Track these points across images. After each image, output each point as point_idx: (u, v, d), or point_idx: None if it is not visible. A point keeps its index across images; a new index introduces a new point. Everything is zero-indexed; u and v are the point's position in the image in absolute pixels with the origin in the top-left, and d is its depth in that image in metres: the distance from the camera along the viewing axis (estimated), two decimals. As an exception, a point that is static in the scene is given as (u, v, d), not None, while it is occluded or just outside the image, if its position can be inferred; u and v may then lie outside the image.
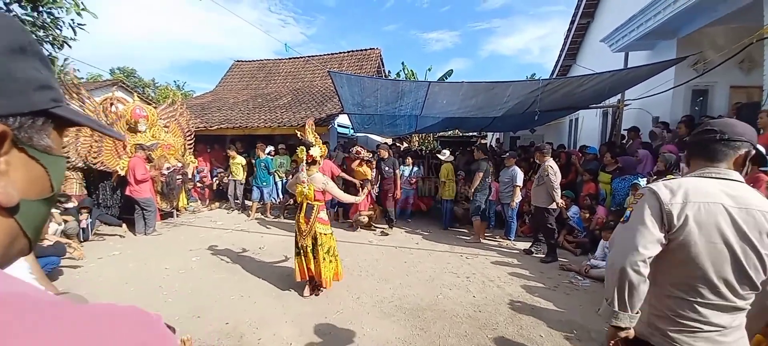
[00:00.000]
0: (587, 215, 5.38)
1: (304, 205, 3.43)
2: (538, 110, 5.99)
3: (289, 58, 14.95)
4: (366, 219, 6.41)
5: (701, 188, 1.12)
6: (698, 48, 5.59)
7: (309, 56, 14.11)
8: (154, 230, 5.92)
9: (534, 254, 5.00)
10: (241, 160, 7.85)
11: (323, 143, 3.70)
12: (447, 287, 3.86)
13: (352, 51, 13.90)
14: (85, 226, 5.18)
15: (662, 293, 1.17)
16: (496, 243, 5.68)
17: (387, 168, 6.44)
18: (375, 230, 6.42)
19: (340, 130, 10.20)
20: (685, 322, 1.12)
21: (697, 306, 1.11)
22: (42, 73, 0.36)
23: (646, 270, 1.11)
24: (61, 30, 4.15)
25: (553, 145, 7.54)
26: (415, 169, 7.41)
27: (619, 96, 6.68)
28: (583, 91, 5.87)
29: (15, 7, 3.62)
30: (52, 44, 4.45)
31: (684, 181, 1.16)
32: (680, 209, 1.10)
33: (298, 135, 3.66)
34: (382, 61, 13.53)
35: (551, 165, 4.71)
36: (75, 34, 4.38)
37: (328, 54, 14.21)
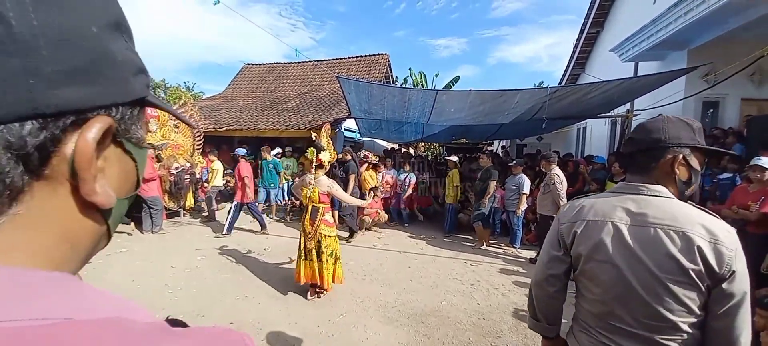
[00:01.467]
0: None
1: (310, 207, 3.44)
2: (545, 117, 5.96)
3: (298, 62, 15.12)
4: (370, 221, 6.43)
5: (597, 205, 1.05)
6: (709, 59, 5.54)
7: (318, 60, 14.26)
8: (160, 228, 5.98)
9: (540, 263, 4.96)
10: (218, 165, 7.20)
11: (333, 150, 3.75)
12: (451, 293, 3.84)
13: (361, 56, 14.03)
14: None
15: (580, 310, 1.13)
16: (501, 251, 5.64)
17: (342, 173, 6.12)
18: (378, 233, 6.43)
19: (347, 133, 10.25)
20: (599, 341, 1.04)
21: (603, 331, 1.02)
22: (136, 54, 0.31)
23: (551, 287, 1.15)
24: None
25: (559, 153, 7.49)
26: (412, 175, 7.37)
27: (628, 106, 6.63)
28: (591, 99, 5.84)
29: None
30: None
31: (589, 198, 1.11)
32: (569, 228, 1.08)
33: (313, 136, 3.70)
34: (390, 66, 13.63)
35: (557, 173, 4.69)
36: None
37: (337, 59, 14.36)
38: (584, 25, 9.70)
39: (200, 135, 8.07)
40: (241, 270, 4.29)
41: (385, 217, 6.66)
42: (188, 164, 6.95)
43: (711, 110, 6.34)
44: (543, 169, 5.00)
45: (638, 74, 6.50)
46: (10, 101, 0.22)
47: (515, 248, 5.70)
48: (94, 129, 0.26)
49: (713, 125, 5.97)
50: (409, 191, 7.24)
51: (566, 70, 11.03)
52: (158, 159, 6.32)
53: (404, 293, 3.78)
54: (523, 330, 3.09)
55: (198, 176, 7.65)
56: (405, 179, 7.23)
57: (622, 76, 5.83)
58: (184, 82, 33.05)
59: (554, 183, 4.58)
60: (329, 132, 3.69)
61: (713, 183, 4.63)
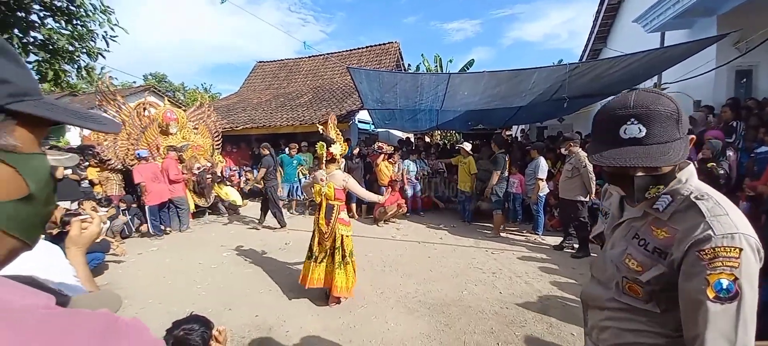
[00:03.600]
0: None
1: (324, 205, 3.24)
2: (566, 97, 5.71)
3: (309, 57, 15.15)
4: (388, 211, 6.42)
5: None
6: (740, 26, 5.13)
7: (328, 54, 14.24)
8: (187, 226, 6.22)
9: (565, 249, 4.82)
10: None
11: (345, 140, 3.60)
12: (472, 282, 3.80)
13: (371, 46, 13.89)
14: (126, 220, 5.52)
15: None
16: (523, 238, 5.52)
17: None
18: (397, 224, 6.44)
19: (360, 126, 10.24)
20: None
21: None
22: None
23: None
24: (95, 42, 4.40)
25: (581, 134, 7.21)
26: (414, 165, 7.27)
27: (655, 79, 6.27)
28: (614, 75, 5.56)
29: (49, 20, 3.87)
30: (89, 55, 4.73)
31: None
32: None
33: (320, 130, 3.52)
34: (401, 54, 13.44)
35: (585, 155, 4.50)
36: (108, 46, 4.63)
37: (347, 50, 14.28)
38: (604, -5, 9.16)
39: (218, 135, 8.27)
40: (264, 265, 4.39)
41: (404, 208, 6.64)
42: (209, 164, 7.14)
43: (744, 80, 5.90)
44: (563, 152, 4.79)
45: (665, 45, 6.12)
46: None
47: (538, 234, 5.57)
48: None
49: (748, 96, 5.56)
50: (413, 187, 7.16)
51: (586, 46, 10.50)
52: (181, 160, 6.52)
53: (424, 284, 3.77)
54: (548, 319, 3.02)
55: (219, 175, 7.87)
56: (404, 168, 7.08)
57: (648, 48, 5.51)
58: (201, 84, 33.99)
59: (585, 166, 4.35)
60: (336, 123, 3.55)
61: (750, 158, 4.33)
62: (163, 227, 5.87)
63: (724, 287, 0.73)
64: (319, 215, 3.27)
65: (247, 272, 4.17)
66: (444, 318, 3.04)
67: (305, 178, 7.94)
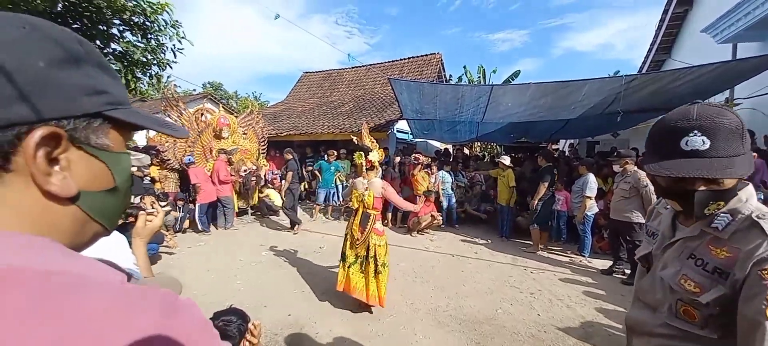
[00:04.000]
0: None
1: (360, 212, 3.28)
2: (620, 110, 5.29)
3: (352, 67, 15.63)
4: (422, 222, 6.34)
5: None
6: None
7: (370, 64, 14.58)
8: (232, 225, 6.63)
9: (615, 275, 4.42)
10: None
11: (382, 148, 3.61)
12: (508, 301, 3.61)
13: (413, 57, 14.00)
14: (178, 216, 6.02)
15: None
16: (567, 259, 5.14)
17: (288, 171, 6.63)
18: (430, 235, 6.33)
19: (399, 135, 10.30)
20: None
21: None
22: (97, 79, 0.40)
23: None
24: (164, 54, 4.91)
25: (637, 150, 6.62)
26: (449, 176, 7.12)
27: (726, 94, 5.60)
28: (678, 88, 5.05)
29: (127, 34, 4.39)
30: (159, 66, 5.28)
31: None
32: None
33: (354, 140, 3.59)
34: (442, 65, 13.38)
35: (645, 175, 4.13)
36: (175, 57, 5.14)
37: (389, 61, 14.53)
38: (668, 3, 8.43)
39: (264, 140, 8.78)
40: (299, 266, 4.54)
41: (439, 219, 6.53)
42: (254, 167, 7.59)
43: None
44: (617, 170, 4.42)
45: (737, 57, 5.46)
46: None
47: (584, 256, 5.16)
48: (36, 135, 0.34)
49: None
50: (448, 199, 7.03)
51: (647, 57, 9.69)
52: (230, 163, 7.01)
53: (457, 298, 3.65)
54: (592, 348, 2.78)
55: (263, 177, 8.33)
56: (440, 179, 7.00)
57: (717, 60, 4.97)
58: (252, 93, 36.37)
59: (647, 186, 4.00)
60: (369, 131, 3.60)
61: None
62: (209, 225, 6.33)
63: None
64: (354, 220, 3.30)
65: (282, 272, 4.33)
66: (476, 336, 2.91)
67: (342, 184, 8.13)
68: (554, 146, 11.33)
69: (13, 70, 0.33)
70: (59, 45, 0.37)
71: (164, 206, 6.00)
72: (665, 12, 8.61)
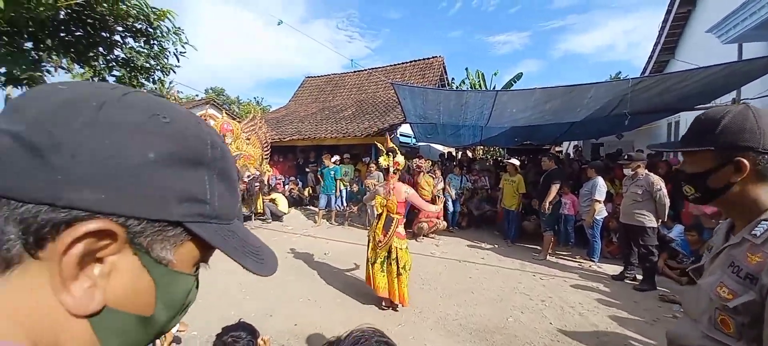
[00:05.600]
0: (695, 236, 4.51)
1: (384, 216, 3.35)
2: (628, 113, 5.22)
3: (354, 71, 15.61)
4: (426, 226, 6.28)
5: None
6: None
7: (372, 68, 14.57)
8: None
9: (626, 280, 4.33)
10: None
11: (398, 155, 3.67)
12: (518, 309, 3.53)
13: (415, 60, 13.98)
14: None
15: None
16: (576, 264, 5.06)
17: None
18: (436, 240, 6.26)
19: (402, 139, 10.25)
20: None
21: None
22: (206, 187, 0.34)
23: None
24: (167, 59, 4.89)
25: (643, 151, 6.55)
26: (456, 179, 7.09)
27: (733, 95, 5.53)
28: (685, 89, 4.99)
29: (130, 40, 4.38)
30: (162, 71, 5.27)
31: None
32: None
33: (379, 146, 3.70)
34: (445, 69, 13.36)
35: (659, 178, 4.08)
36: (178, 61, 5.12)
37: (391, 65, 14.50)
38: (671, 4, 8.38)
39: (268, 146, 8.75)
40: (305, 273, 4.48)
41: (444, 224, 6.46)
42: (257, 173, 7.55)
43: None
44: (628, 173, 4.35)
45: (743, 57, 5.39)
46: (34, 187, 0.27)
47: (593, 261, 5.08)
48: (87, 225, 0.28)
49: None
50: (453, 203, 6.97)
51: (651, 58, 9.64)
52: (233, 168, 6.97)
53: (465, 306, 3.58)
54: (608, 358, 2.70)
55: (266, 183, 8.29)
56: (448, 182, 6.98)
57: (722, 61, 4.90)
58: (254, 98, 36.51)
59: (660, 189, 3.94)
60: (390, 139, 3.68)
61: None
62: None
63: None
64: (378, 223, 3.39)
65: (288, 280, 4.26)
66: (487, 346, 2.84)
67: (346, 189, 8.07)
68: (557, 149, 11.26)
69: (108, 153, 0.28)
70: (183, 142, 0.32)
71: None
72: (668, 12, 8.57)
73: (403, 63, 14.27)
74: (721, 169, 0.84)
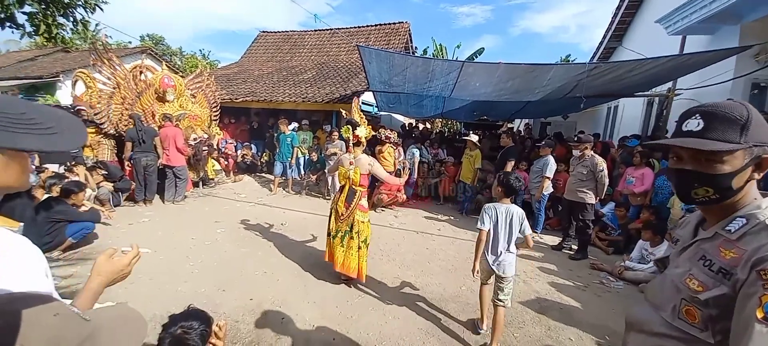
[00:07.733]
0: (623, 212, 5.08)
1: (347, 188, 3.25)
2: (583, 97, 5.55)
3: (315, 30, 14.67)
4: (386, 197, 6.34)
5: None
6: (763, 37, 4.95)
7: (335, 29, 13.75)
8: (183, 198, 6.08)
9: (563, 250, 4.79)
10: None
11: (378, 126, 3.54)
12: (471, 278, 3.73)
13: (381, 25, 13.44)
14: (110, 188, 5.35)
15: None
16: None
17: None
18: (395, 211, 6.37)
19: (364, 107, 9.99)
20: None
21: None
22: None
23: None
24: (92, -8, 4.15)
25: (584, 132, 7.10)
26: (418, 153, 7.17)
27: (669, 84, 6.11)
28: (633, 77, 5.39)
29: None
30: (85, 7, 4.46)
31: None
32: None
33: (343, 113, 3.54)
34: (410, 36, 13.05)
35: (602, 160, 4.44)
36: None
37: (355, 27, 13.80)
38: (627, -10, 8.84)
39: (217, 106, 8.01)
40: (260, 245, 4.30)
41: (403, 197, 6.54)
42: (205, 136, 6.93)
43: (755, 91, 5.77)
44: (575, 152, 4.67)
45: (685, 49, 5.93)
46: None
47: (537, 233, 5.52)
48: None
49: (760, 110, 5.42)
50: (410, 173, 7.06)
51: (601, 43, 10.25)
52: (177, 129, 6.31)
53: (422, 276, 3.71)
54: (547, 321, 2.99)
55: (216, 147, 7.67)
56: (413, 155, 7.00)
57: (665, 51, 5.33)
58: (200, 50, 33.01)
59: (602, 171, 4.29)
60: (359, 106, 3.50)
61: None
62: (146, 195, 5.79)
63: None
64: (340, 196, 3.28)
65: (242, 252, 4.07)
66: (443, 315, 2.98)
67: (303, 157, 7.77)
68: (509, 125, 11.81)
69: None
70: None
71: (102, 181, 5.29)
72: (622, 0, 9.04)
73: (368, 26, 13.68)
74: (747, 167, 0.81)
